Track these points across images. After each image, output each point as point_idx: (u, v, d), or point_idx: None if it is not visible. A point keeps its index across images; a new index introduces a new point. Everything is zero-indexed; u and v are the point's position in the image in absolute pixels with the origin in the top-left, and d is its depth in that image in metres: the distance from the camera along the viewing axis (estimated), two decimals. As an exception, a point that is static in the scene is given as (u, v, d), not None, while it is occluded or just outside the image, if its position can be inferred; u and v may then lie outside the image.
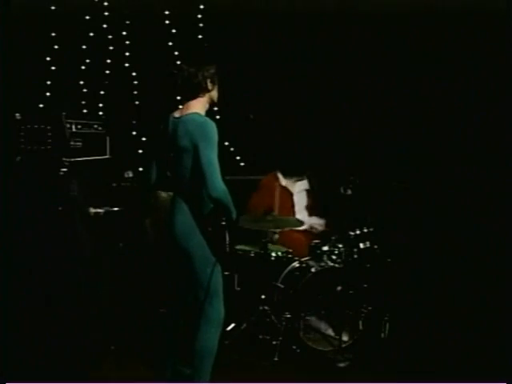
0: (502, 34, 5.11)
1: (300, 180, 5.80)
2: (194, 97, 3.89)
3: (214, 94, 3.98)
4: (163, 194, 4.01)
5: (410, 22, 5.86)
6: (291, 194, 5.77)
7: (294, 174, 5.76)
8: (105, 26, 6.21)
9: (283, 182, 5.76)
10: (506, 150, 5.29)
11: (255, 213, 5.23)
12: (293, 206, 5.74)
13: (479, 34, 5.59)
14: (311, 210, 5.78)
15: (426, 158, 5.96)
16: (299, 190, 5.81)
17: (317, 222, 5.68)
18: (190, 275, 3.87)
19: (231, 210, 3.77)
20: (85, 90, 6.13)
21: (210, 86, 3.91)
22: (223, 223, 3.93)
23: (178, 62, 6.41)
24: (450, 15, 5.64)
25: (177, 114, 3.91)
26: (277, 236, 5.54)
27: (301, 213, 5.76)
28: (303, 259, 5.28)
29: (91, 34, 6.14)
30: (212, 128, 3.74)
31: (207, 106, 3.95)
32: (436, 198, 5.84)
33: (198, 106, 3.88)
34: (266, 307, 5.13)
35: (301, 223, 5.34)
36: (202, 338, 3.83)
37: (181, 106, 4.03)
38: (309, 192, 5.82)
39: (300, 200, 5.79)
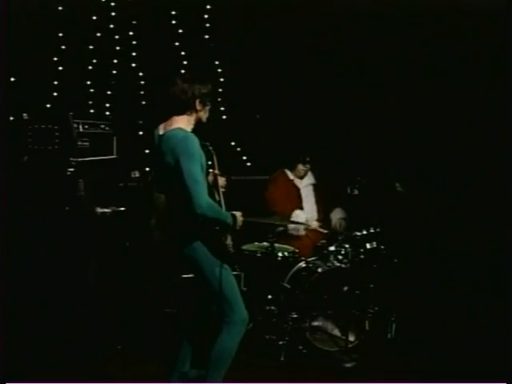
0: (502, 34, 5.11)
1: (305, 174, 5.85)
2: (181, 113, 3.77)
3: (203, 114, 3.82)
4: (163, 197, 3.99)
5: (410, 22, 5.86)
6: (298, 189, 5.82)
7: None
8: (112, 26, 6.22)
9: (290, 176, 5.82)
10: (508, 149, 5.28)
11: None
12: (300, 200, 5.79)
13: (479, 34, 5.60)
14: (320, 202, 5.84)
15: (432, 159, 5.96)
16: (306, 184, 5.86)
17: (342, 216, 5.71)
18: (204, 285, 3.84)
19: (221, 219, 3.71)
20: (92, 90, 6.14)
21: (198, 105, 3.77)
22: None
23: (186, 62, 6.44)
24: (450, 15, 5.64)
25: (161, 131, 3.80)
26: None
27: (308, 207, 5.80)
28: (310, 259, 5.27)
29: (98, 35, 6.15)
30: (192, 143, 3.64)
31: (193, 123, 3.80)
32: (442, 199, 5.83)
33: (182, 122, 3.76)
34: (273, 307, 5.12)
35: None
36: (223, 340, 3.79)
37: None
38: (315, 186, 5.88)
39: (307, 194, 5.84)
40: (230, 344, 3.80)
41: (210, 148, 3.94)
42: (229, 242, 3.87)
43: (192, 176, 3.60)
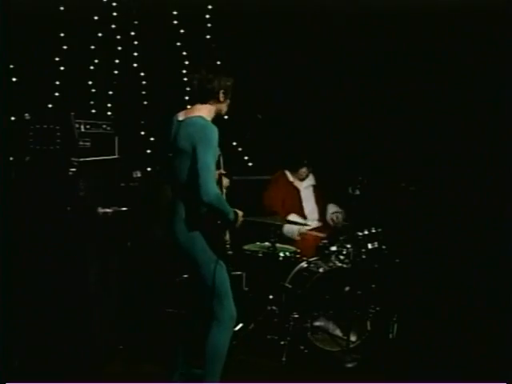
0: (502, 34, 5.11)
1: (306, 177, 5.85)
2: (203, 102, 3.88)
3: (224, 106, 3.94)
4: (169, 191, 4.00)
5: (410, 22, 5.86)
6: (298, 191, 5.81)
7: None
8: (113, 26, 6.21)
9: (290, 178, 5.82)
10: (509, 149, 5.27)
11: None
12: (300, 201, 5.79)
13: (479, 34, 5.59)
14: (320, 202, 5.85)
15: (433, 158, 5.96)
16: (306, 185, 5.88)
17: (336, 210, 5.70)
18: (197, 278, 3.88)
19: (225, 212, 3.75)
20: (93, 90, 6.14)
21: (221, 96, 3.89)
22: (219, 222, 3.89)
23: (187, 62, 6.43)
24: (450, 15, 5.63)
25: (181, 117, 3.89)
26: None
27: (309, 208, 5.80)
28: (311, 259, 5.28)
29: (100, 35, 6.15)
30: (212, 132, 3.72)
31: (213, 114, 3.91)
32: (443, 199, 5.82)
33: (204, 111, 3.85)
34: (274, 307, 5.13)
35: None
36: (213, 338, 3.83)
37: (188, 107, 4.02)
38: (315, 187, 5.89)
39: (307, 196, 5.86)
40: (220, 341, 3.83)
41: (218, 148, 3.97)
42: (227, 238, 3.90)
43: (206, 164, 3.65)
